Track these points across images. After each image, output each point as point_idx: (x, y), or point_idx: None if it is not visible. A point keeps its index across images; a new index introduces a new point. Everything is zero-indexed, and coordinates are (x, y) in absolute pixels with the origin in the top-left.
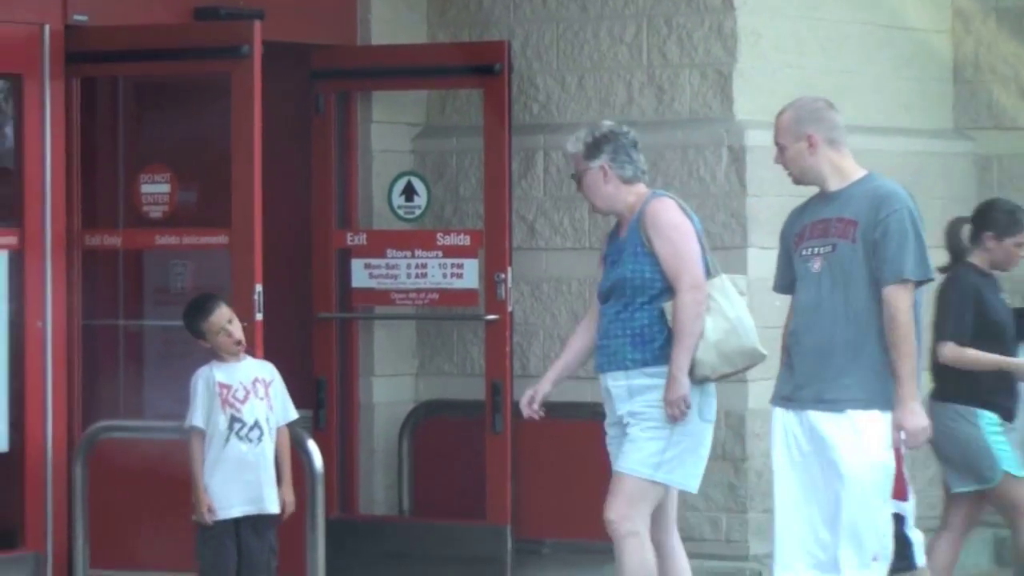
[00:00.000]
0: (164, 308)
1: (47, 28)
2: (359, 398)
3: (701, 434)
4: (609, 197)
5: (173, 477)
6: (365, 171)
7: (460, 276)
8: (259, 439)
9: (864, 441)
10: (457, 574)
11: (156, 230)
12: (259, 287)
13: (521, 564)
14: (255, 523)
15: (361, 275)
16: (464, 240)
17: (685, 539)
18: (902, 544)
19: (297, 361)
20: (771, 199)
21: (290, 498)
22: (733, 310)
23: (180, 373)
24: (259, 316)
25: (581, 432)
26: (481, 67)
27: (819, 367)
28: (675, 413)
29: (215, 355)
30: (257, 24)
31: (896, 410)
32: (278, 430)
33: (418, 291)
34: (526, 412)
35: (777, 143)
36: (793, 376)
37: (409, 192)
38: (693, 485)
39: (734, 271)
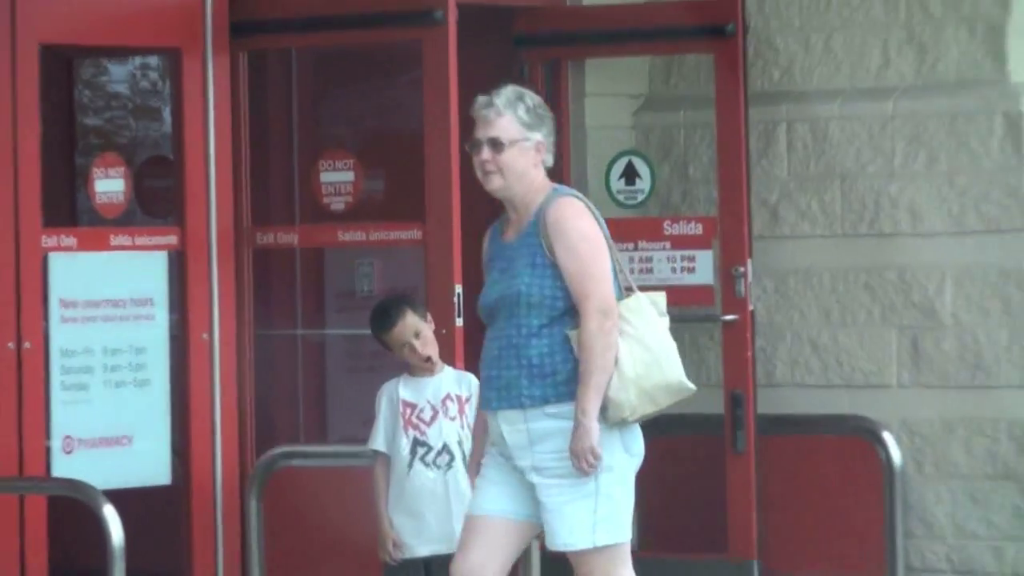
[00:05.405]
0: (349, 314)
1: None
2: None
3: (627, 474)
4: (526, 180)
5: (360, 509)
6: (579, 151)
7: (692, 271)
8: (448, 465)
9: None
10: None
11: (339, 225)
12: (459, 288)
13: None
14: (449, 563)
15: None
16: (695, 229)
17: (964, 571)
18: None
19: None
20: None
21: None
22: (655, 336)
23: (368, 389)
24: (459, 321)
25: (836, 448)
26: (712, 28)
27: None
28: (583, 467)
29: (406, 367)
30: None
31: None
32: None
33: (643, 288)
34: None
35: None
36: None
37: (630, 174)
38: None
39: (1013, 257)
